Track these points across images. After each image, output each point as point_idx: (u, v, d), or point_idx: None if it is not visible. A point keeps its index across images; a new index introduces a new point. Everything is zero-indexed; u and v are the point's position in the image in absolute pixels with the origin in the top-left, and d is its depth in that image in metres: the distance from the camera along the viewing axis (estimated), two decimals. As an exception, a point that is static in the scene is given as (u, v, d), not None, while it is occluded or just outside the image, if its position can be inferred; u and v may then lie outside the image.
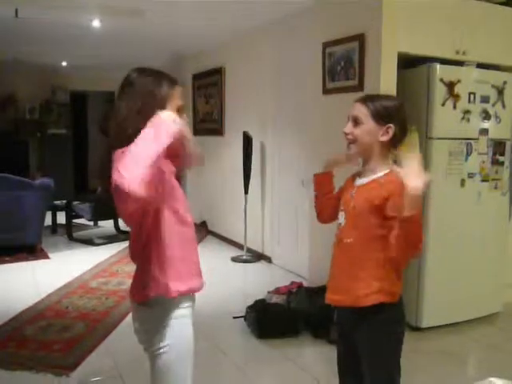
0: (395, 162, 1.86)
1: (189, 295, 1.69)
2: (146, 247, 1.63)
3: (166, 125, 1.50)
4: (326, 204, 2.05)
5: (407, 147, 1.88)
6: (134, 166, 1.41)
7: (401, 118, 1.84)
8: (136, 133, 1.50)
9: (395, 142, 1.84)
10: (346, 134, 1.85)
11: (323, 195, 2.06)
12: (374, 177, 1.83)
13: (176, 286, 1.62)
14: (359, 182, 1.88)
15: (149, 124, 1.50)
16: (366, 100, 1.84)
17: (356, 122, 1.83)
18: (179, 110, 1.65)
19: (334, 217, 1.98)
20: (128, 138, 1.49)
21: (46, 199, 5.88)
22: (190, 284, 1.67)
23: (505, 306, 4.16)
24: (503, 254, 4.10)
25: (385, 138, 1.81)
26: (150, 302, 1.64)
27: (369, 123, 1.81)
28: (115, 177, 1.41)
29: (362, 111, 1.82)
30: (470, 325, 3.88)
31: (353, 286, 1.82)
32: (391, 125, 1.80)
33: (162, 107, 1.58)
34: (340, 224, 1.90)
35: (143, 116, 1.54)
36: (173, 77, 1.70)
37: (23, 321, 3.88)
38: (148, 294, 1.63)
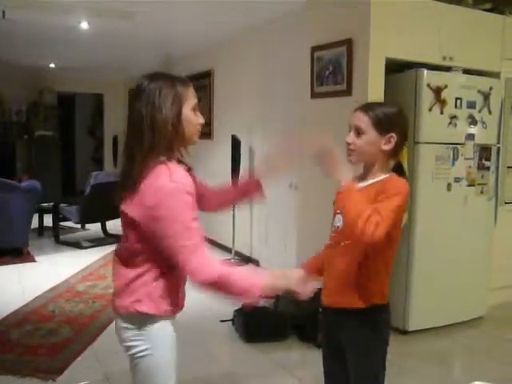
0: (394, 168, 1.88)
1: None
2: (147, 263, 1.62)
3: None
4: None
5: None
6: (218, 288, 1.54)
7: (402, 125, 1.85)
8: (166, 137, 1.57)
9: (397, 150, 1.84)
10: (348, 143, 1.84)
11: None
12: (373, 181, 1.83)
13: (164, 305, 1.63)
14: (358, 185, 1.86)
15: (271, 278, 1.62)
16: (367, 109, 1.83)
17: (358, 131, 1.82)
18: (195, 109, 1.67)
19: None
20: (160, 144, 1.56)
21: (32, 201, 5.84)
22: (175, 308, 1.68)
23: (489, 309, 4.20)
24: (488, 259, 4.14)
25: (387, 148, 1.81)
26: (134, 314, 1.63)
27: (371, 133, 1.80)
28: (212, 276, 1.52)
29: (363, 121, 1.80)
30: (456, 328, 3.91)
31: (349, 288, 1.83)
32: (393, 134, 1.80)
33: (180, 107, 1.61)
34: (337, 227, 1.88)
35: (166, 120, 1.58)
36: (184, 77, 1.71)
37: (9, 325, 3.84)
38: (137, 308, 1.61)
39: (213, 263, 1.56)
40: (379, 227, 1.62)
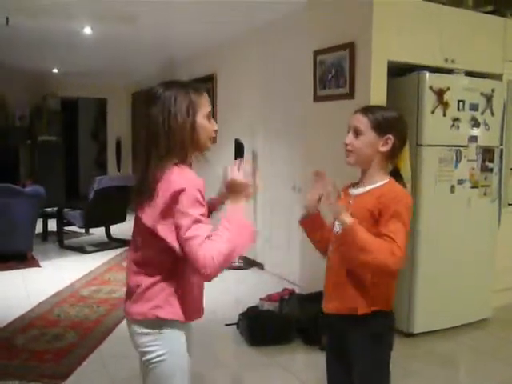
0: (391, 172, 1.89)
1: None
2: (163, 269, 1.64)
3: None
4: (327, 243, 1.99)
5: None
6: (228, 260, 1.54)
7: (400, 128, 1.87)
8: (182, 143, 1.62)
9: (394, 153, 1.87)
10: (346, 144, 1.87)
11: (319, 240, 1.99)
12: (371, 186, 1.84)
13: (184, 311, 1.66)
14: (357, 191, 1.89)
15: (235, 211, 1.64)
16: (367, 111, 1.86)
17: (356, 132, 1.84)
18: (209, 116, 1.71)
19: None
20: (175, 150, 1.62)
21: (36, 206, 5.85)
22: (194, 315, 1.71)
23: (494, 311, 4.19)
24: (492, 260, 4.13)
25: (384, 149, 1.83)
26: (153, 320, 1.64)
27: (369, 134, 1.82)
28: (210, 265, 1.50)
29: (362, 122, 1.83)
30: (461, 330, 3.91)
31: (350, 294, 1.83)
32: (391, 136, 1.82)
33: (194, 115, 1.64)
34: (337, 232, 1.89)
35: (182, 127, 1.62)
36: (198, 85, 1.75)
37: (14, 330, 3.85)
38: (157, 314, 1.63)
39: (212, 255, 1.52)
40: (397, 256, 1.69)
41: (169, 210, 1.56)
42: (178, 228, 1.55)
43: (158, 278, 1.63)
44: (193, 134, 1.65)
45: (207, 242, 1.53)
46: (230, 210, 1.65)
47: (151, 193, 1.59)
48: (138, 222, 1.67)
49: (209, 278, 1.53)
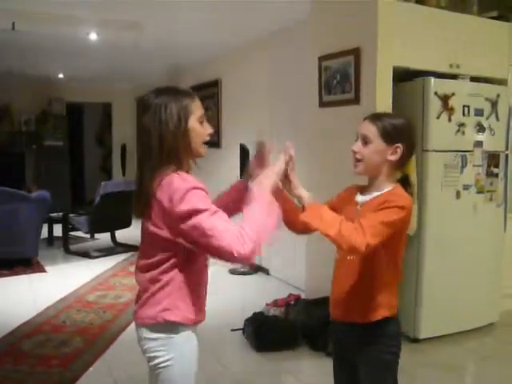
0: (401, 179, 1.88)
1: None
2: (168, 274, 1.65)
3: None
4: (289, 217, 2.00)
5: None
6: (262, 234, 1.54)
7: (409, 136, 1.86)
8: (175, 151, 1.61)
9: (403, 161, 1.85)
10: (355, 152, 1.86)
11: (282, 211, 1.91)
12: (377, 193, 1.83)
13: (190, 314, 1.67)
14: (363, 198, 1.88)
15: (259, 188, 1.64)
16: (375, 119, 1.84)
17: (365, 141, 1.83)
18: (201, 121, 1.70)
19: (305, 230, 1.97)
20: (168, 158, 1.61)
21: (42, 212, 5.88)
22: (199, 316, 1.72)
23: (501, 315, 4.18)
24: (499, 265, 4.12)
25: (393, 158, 1.82)
26: (161, 324, 1.66)
27: (377, 143, 1.81)
28: (244, 247, 1.49)
29: (370, 130, 1.82)
30: (467, 335, 3.90)
31: (356, 302, 1.84)
32: (399, 144, 1.80)
33: (186, 120, 1.64)
34: None
35: (174, 133, 1.62)
36: (189, 90, 1.75)
37: (20, 336, 3.86)
38: (165, 317, 1.64)
39: (242, 235, 1.51)
40: (366, 236, 1.65)
41: (177, 209, 1.54)
42: (196, 227, 1.52)
43: (163, 282, 1.64)
44: (186, 140, 1.64)
45: (230, 226, 1.52)
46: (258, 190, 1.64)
47: (150, 202, 1.60)
48: (144, 230, 1.69)
49: (244, 258, 1.51)
